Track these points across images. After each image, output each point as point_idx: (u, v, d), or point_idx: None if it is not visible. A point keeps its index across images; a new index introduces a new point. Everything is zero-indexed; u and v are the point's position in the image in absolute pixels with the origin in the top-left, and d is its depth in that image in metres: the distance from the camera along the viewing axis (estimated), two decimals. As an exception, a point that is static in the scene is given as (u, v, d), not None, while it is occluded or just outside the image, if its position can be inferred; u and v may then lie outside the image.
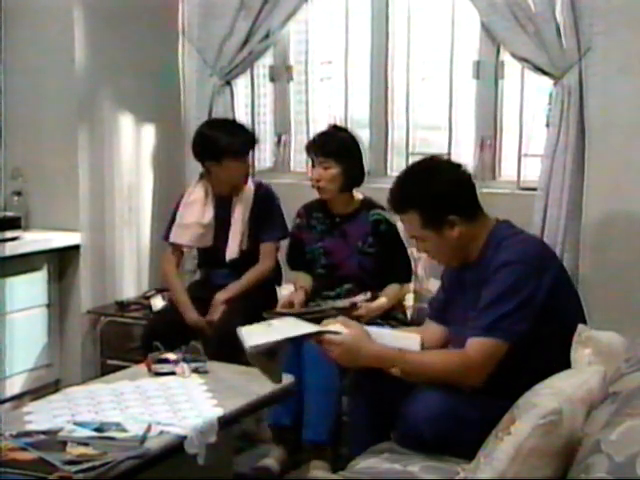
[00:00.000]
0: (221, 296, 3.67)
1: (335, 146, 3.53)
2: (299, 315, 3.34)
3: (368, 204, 3.56)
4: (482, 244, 2.52)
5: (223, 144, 3.65)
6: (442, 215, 2.48)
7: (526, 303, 2.36)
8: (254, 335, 2.48)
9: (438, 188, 2.50)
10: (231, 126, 3.82)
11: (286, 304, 3.53)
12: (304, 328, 2.52)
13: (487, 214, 2.59)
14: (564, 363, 2.15)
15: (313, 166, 3.55)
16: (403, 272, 3.59)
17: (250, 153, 3.90)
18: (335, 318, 2.61)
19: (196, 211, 3.76)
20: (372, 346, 2.42)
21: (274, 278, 3.87)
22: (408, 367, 2.38)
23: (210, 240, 3.77)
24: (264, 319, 3.49)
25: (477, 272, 2.50)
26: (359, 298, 3.43)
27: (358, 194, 3.61)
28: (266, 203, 3.79)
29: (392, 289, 3.54)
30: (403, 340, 2.69)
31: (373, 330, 2.79)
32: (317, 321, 3.27)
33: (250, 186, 3.80)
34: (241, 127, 3.84)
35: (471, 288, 2.52)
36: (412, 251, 3.62)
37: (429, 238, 2.53)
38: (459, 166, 2.62)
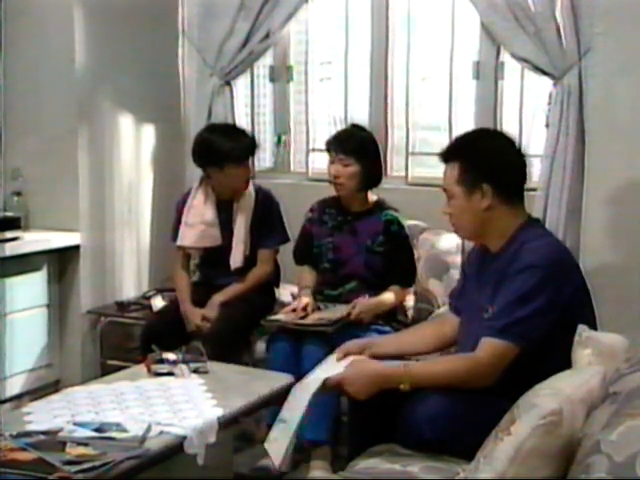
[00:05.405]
0: (218, 297, 3.67)
1: (356, 144, 3.51)
2: (296, 325, 3.34)
3: (381, 205, 3.56)
4: (507, 237, 2.47)
5: (225, 150, 3.63)
6: (479, 179, 2.44)
7: (543, 310, 2.32)
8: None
9: (490, 154, 2.47)
10: (232, 131, 3.80)
11: (299, 312, 3.44)
12: (303, 398, 2.38)
13: (523, 209, 2.54)
14: (567, 365, 2.14)
15: (332, 162, 3.54)
16: (406, 275, 3.58)
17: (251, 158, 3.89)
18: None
19: (198, 212, 3.76)
20: (375, 367, 2.41)
21: (273, 280, 3.87)
22: (416, 381, 2.36)
23: (219, 239, 3.74)
24: (261, 325, 3.52)
25: (496, 266, 2.47)
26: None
27: (372, 195, 3.61)
28: (267, 209, 3.78)
29: (393, 291, 3.52)
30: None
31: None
32: (313, 333, 3.28)
33: (250, 190, 3.78)
34: (242, 132, 3.83)
35: (487, 280, 2.49)
36: (416, 254, 3.63)
37: (457, 197, 2.48)
38: (524, 156, 2.57)
